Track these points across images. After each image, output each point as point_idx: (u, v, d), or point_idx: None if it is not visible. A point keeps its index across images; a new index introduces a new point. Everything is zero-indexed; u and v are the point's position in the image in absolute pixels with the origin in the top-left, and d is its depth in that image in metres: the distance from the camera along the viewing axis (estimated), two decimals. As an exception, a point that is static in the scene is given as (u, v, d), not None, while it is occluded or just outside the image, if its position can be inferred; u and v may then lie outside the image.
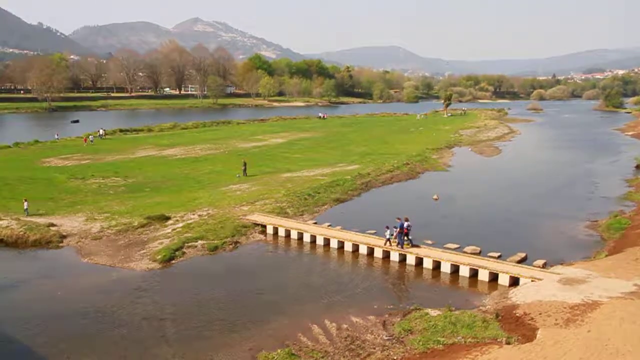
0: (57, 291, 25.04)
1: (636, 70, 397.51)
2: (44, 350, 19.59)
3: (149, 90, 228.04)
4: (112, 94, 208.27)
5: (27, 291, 25.20)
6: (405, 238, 29.78)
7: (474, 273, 27.41)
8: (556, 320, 20.94)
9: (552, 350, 18.33)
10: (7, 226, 33.27)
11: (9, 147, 70.27)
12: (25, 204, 35.86)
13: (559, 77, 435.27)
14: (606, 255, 29.55)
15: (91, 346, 19.89)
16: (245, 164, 52.12)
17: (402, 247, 29.63)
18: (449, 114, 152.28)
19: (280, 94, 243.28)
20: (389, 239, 30.02)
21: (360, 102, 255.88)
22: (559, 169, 62.90)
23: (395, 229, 29.62)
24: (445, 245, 30.59)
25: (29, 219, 34.72)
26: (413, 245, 29.97)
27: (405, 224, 29.46)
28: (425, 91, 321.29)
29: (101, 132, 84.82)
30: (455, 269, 27.97)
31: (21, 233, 32.38)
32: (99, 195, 42.68)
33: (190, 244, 30.98)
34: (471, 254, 29.40)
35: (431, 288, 26.56)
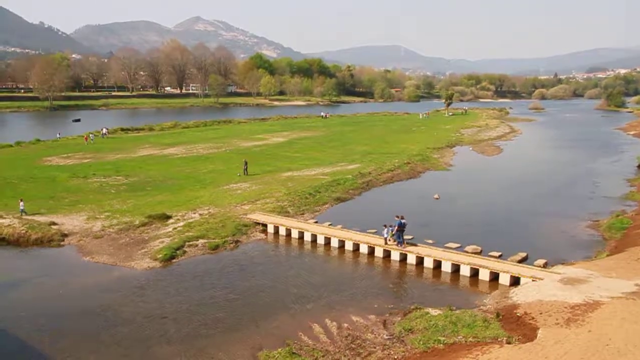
0: (58, 290, 25.15)
1: (638, 69, 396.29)
2: (47, 349, 19.66)
3: (150, 89, 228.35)
4: (114, 93, 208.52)
5: (29, 290, 25.28)
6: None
7: (474, 272, 27.42)
8: (557, 320, 20.97)
9: (552, 350, 18.36)
10: (9, 224, 33.37)
11: (11, 146, 70.49)
12: (21, 204, 35.80)
13: (560, 76, 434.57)
14: (607, 255, 29.56)
15: (93, 345, 19.96)
16: (246, 163, 52.16)
17: (401, 246, 29.71)
18: (451, 113, 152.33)
19: (281, 93, 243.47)
20: (386, 238, 30.11)
21: (361, 101, 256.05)
22: (560, 168, 62.89)
23: (392, 228, 29.73)
24: (446, 245, 30.64)
25: (30, 217, 34.79)
26: (409, 244, 30.08)
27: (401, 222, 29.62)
28: (427, 90, 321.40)
29: (104, 130, 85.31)
30: (456, 269, 27.98)
31: (23, 231, 32.47)
32: (100, 194, 42.73)
33: (191, 242, 31.05)
34: (472, 253, 29.44)
35: (432, 287, 26.60)
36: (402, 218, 29.68)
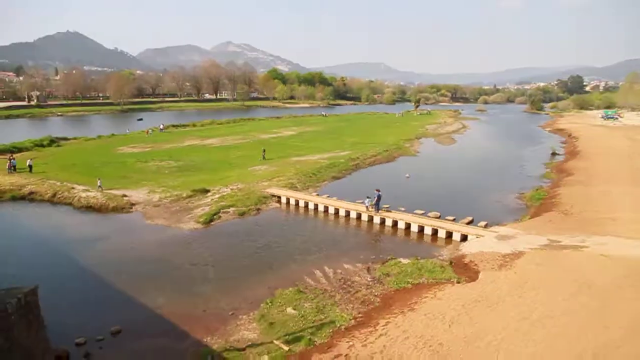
0: (130, 244, 25.29)
1: (552, 83, 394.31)
2: (122, 286, 19.93)
3: (193, 96, 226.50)
4: (167, 99, 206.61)
5: (109, 244, 25.43)
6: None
7: (435, 232, 27.53)
8: (493, 265, 21.21)
9: (489, 287, 18.63)
10: (94, 196, 33.51)
11: (94, 139, 70.07)
12: (99, 181, 35.87)
13: (498, 87, 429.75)
14: (529, 218, 29.72)
15: (154, 283, 20.21)
16: (264, 151, 51.91)
17: (378, 212, 29.76)
18: (418, 113, 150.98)
19: (292, 97, 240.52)
20: (367, 206, 30.16)
21: (351, 104, 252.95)
22: (497, 154, 62.68)
23: (372, 199, 29.77)
24: (414, 211, 30.63)
25: (108, 191, 34.82)
26: (386, 211, 30.13)
27: (379, 194, 29.66)
28: (400, 96, 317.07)
29: (161, 126, 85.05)
30: (421, 229, 28.10)
31: (103, 201, 32.59)
32: (158, 174, 42.62)
33: (224, 210, 31.02)
34: (433, 217, 29.51)
35: (403, 243, 26.72)
36: (379, 191, 29.76)
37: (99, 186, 35.52)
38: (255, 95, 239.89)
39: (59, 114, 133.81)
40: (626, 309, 15.81)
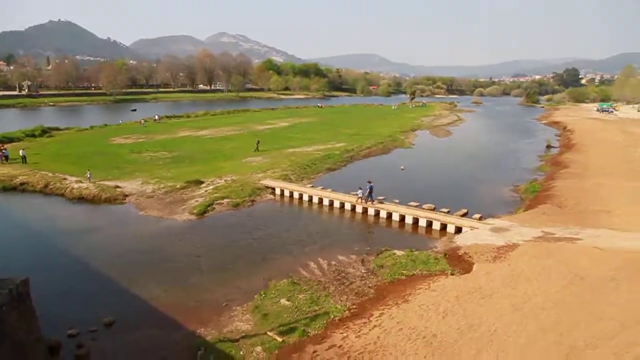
0: (123, 235, 25.14)
1: (548, 76, 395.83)
2: (115, 276, 19.83)
3: (188, 86, 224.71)
4: (160, 89, 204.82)
5: (102, 235, 25.28)
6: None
7: (429, 224, 27.58)
8: (487, 257, 21.27)
9: (483, 279, 18.68)
10: (86, 187, 33.27)
11: (87, 129, 69.43)
12: (88, 173, 35.48)
13: (494, 80, 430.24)
14: (524, 211, 29.83)
15: (148, 274, 20.11)
16: (258, 142, 51.61)
17: (372, 203, 29.76)
18: (414, 105, 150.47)
19: (286, 88, 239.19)
20: (360, 197, 30.14)
21: (347, 96, 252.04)
22: (492, 147, 62.75)
23: (366, 190, 29.78)
24: (408, 203, 30.60)
25: (101, 182, 34.51)
26: (380, 202, 30.14)
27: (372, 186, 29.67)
28: (396, 88, 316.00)
29: (156, 117, 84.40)
30: (415, 221, 28.13)
31: (96, 192, 32.35)
32: (151, 165, 42.33)
33: (218, 201, 30.87)
34: (427, 209, 29.50)
35: (398, 235, 26.75)
36: (371, 182, 29.81)
37: (88, 177, 35.19)
38: (249, 86, 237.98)
39: (51, 104, 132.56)
40: (619, 301, 15.93)
